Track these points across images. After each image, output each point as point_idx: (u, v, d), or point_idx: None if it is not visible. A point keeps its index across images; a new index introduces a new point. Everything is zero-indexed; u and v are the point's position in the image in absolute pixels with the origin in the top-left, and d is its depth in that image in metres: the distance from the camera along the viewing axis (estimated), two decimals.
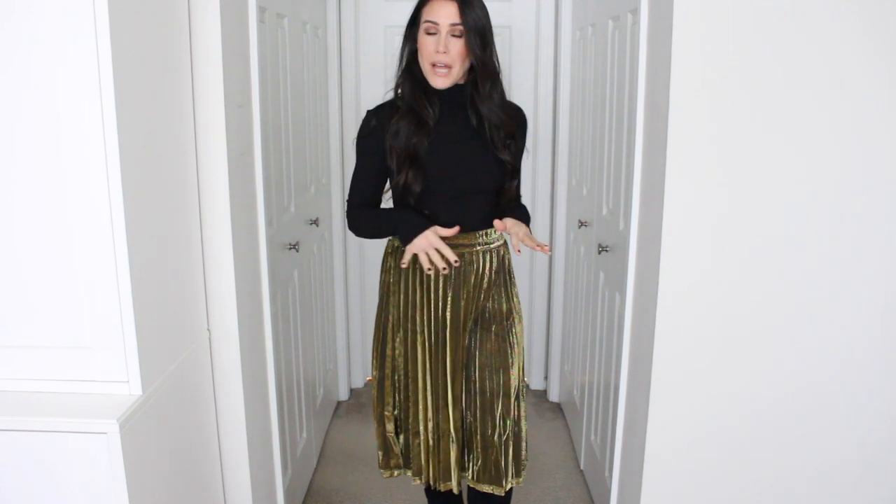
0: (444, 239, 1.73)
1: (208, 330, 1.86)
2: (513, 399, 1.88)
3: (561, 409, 3.28)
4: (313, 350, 2.79)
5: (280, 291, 2.24)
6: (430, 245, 1.70)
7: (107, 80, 1.35)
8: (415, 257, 1.76)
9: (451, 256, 1.70)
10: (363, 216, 1.85)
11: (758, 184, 1.72)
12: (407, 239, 1.73)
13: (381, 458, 1.98)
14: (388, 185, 1.84)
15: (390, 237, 1.88)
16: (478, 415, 1.87)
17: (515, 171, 1.86)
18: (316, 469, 2.77)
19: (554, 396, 3.37)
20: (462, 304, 1.82)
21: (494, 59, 1.75)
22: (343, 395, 3.40)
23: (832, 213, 1.73)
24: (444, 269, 1.71)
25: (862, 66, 1.65)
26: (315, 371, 2.83)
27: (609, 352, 2.31)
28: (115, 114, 1.36)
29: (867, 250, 1.75)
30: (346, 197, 1.89)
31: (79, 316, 1.45)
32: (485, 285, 1.85)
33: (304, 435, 2.60)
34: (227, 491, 1.97)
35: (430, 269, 1.71)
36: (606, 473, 2.28)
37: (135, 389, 1.49)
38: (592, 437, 2.57)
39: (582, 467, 2.76)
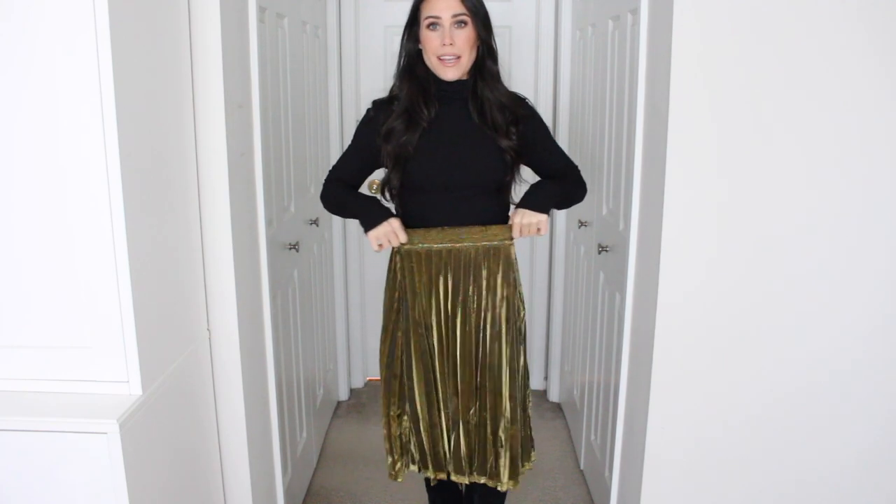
0: (442, 235, 1.80)
1: (208, 330, 1.86)
2: (519, 398, 1.88)
3: (561, 409, 3.28)
4: (313, 350, 2.78)
5: (280, 291, 2.24)
6: (392, 231, 1.78)
7: (107, 80, 1.35)
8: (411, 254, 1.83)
9: (404, 238, 1.79)
10: (335, 192, 1.92)
11: (758, 184, 1.72)
12: (368, 227, 1.80)
13: (389, 462, 1.92)
14: (373, 173, 1.91)
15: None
16: (488, 413, 1.85)
17: (521, 158, 1.84)
18: (316, 469, 2.77)
19: (554, 396, 3.37)
20: (460, 298, 1.82)
21: (493, 41, 1.80)
22: (343, 395, 3.39)
23: (833, 214, 1.73)
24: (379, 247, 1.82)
25: (862, 65, 1.65)
26: (315, 371, 2.83)
27: (609, 352, 2.31)
28: (115, 114, 1.36)
29: (868, 252, 1.74)
30: (331, 166, 1.96)
31: (79, 316, 1.45)
32: (484, 283, 1.84)
33: (304, 435, 2.60)
34: (227, 491, 1.97)
35: (378, 249, 1.82)
36: (606, 473, 2.28)
37: (135, 389, 1.49)
38: (592, 437, 2.56)
39: (582, 467, 2.76)
